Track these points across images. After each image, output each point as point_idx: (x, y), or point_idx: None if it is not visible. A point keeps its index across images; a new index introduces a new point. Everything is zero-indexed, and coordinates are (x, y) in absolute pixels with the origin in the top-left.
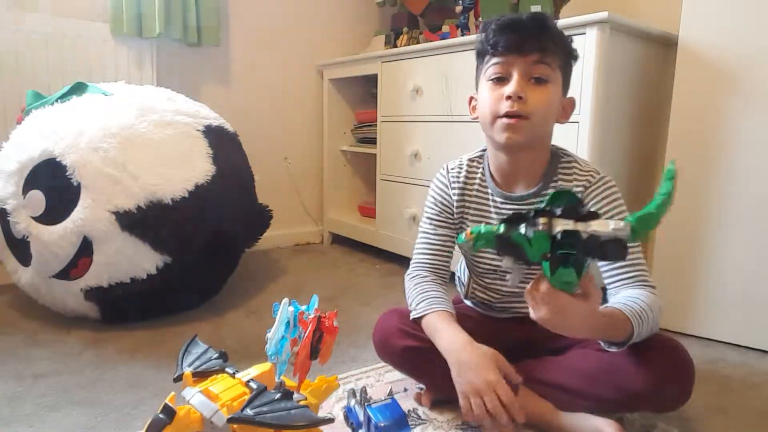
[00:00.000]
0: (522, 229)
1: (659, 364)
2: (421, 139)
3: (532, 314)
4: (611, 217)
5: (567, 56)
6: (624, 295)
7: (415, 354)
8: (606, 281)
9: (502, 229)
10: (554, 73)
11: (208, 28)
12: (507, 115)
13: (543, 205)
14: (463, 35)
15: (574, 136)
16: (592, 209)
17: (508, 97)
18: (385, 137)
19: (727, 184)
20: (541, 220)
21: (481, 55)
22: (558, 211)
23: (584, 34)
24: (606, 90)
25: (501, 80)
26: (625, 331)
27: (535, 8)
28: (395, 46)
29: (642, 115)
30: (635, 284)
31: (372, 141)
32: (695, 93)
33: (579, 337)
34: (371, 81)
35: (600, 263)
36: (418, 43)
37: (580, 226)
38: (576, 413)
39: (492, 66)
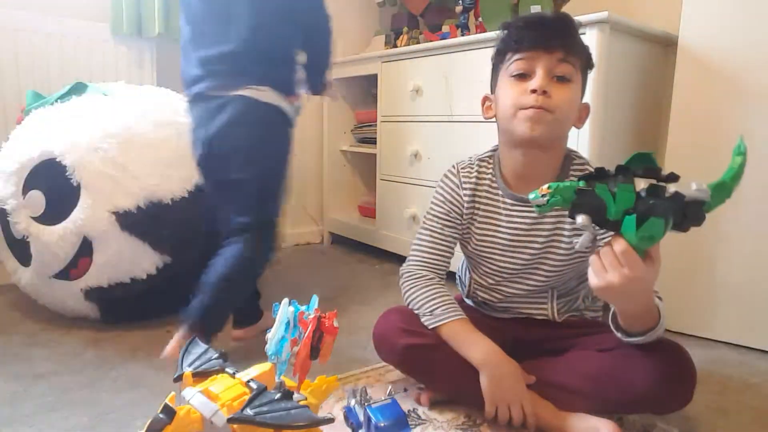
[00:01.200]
0: (606, 183)
1: (661, 366)
2: (421, 139)
3: (595, 281)
4: None
5: (587, 60)
6: None
7: (417, 352)
8: None
9: (583, 183)
10: (576, 75)
11: None
12: (531, 107)
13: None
14: (463, 35)
15: (574, 136)
16: None
17: (533, 91)
18: (385, 137)
19: None
20: (625, 177)
21: (502, 53)
22: (640, 171)
23: (584, 34)
24: (606, 90)
25: (523, 77)
26: (653, 321)
27: (535, 8)
28: (395, 46)
29: (642, 115)
30: None
31: (372, 141)
32: (695, 93)
33: (628, 308)
34: (371, 81)
35: None
36: (418, 43)
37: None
38: (576, 414)
39: (515, 62)
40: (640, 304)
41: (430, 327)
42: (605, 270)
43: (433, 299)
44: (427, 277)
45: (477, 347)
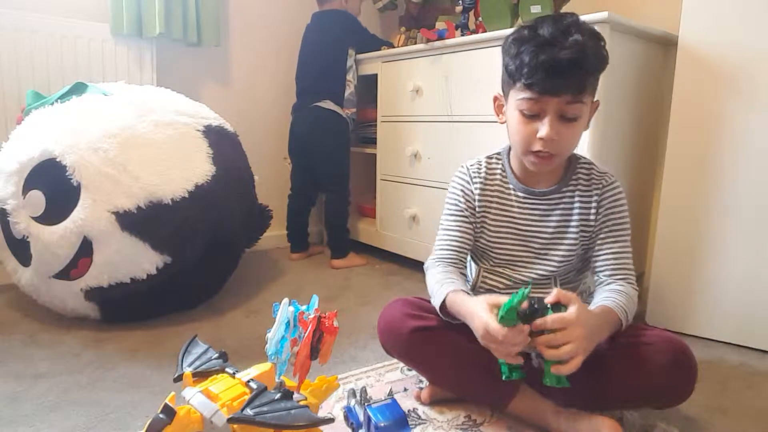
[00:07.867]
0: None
1: (662, 360)
2: (421, 139)
3: (571, 367)
4: (609, 228)
5: (600, 73)
6: (611, 289)
7: (423, 336)
8: (597, 271)
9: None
10: (586, 106)
11: (208, 28)
12: (539, 151)
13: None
14: (463, 35)
15: None
16: (602, 213)
17: (541, 137)
18: (385, 137)
19: (726, 183)
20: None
21: (511, 77)
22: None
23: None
24: (606, 90)
25: (533, 116)
26: (618, 324)
27: (535, 9)
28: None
29: (642, 115)
30: (621, 281)
31: (372, 141)
32: (695, 93)
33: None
34: (371, 81)
35: (597, 259)
36: (415, 42)
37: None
38: (577, 412)
39: (524, 100)
40: (608, 328)
41: (438, 306)
42: (566, 348)
43: (440, 281)
44: (441, 266)
45: (466, 307)
